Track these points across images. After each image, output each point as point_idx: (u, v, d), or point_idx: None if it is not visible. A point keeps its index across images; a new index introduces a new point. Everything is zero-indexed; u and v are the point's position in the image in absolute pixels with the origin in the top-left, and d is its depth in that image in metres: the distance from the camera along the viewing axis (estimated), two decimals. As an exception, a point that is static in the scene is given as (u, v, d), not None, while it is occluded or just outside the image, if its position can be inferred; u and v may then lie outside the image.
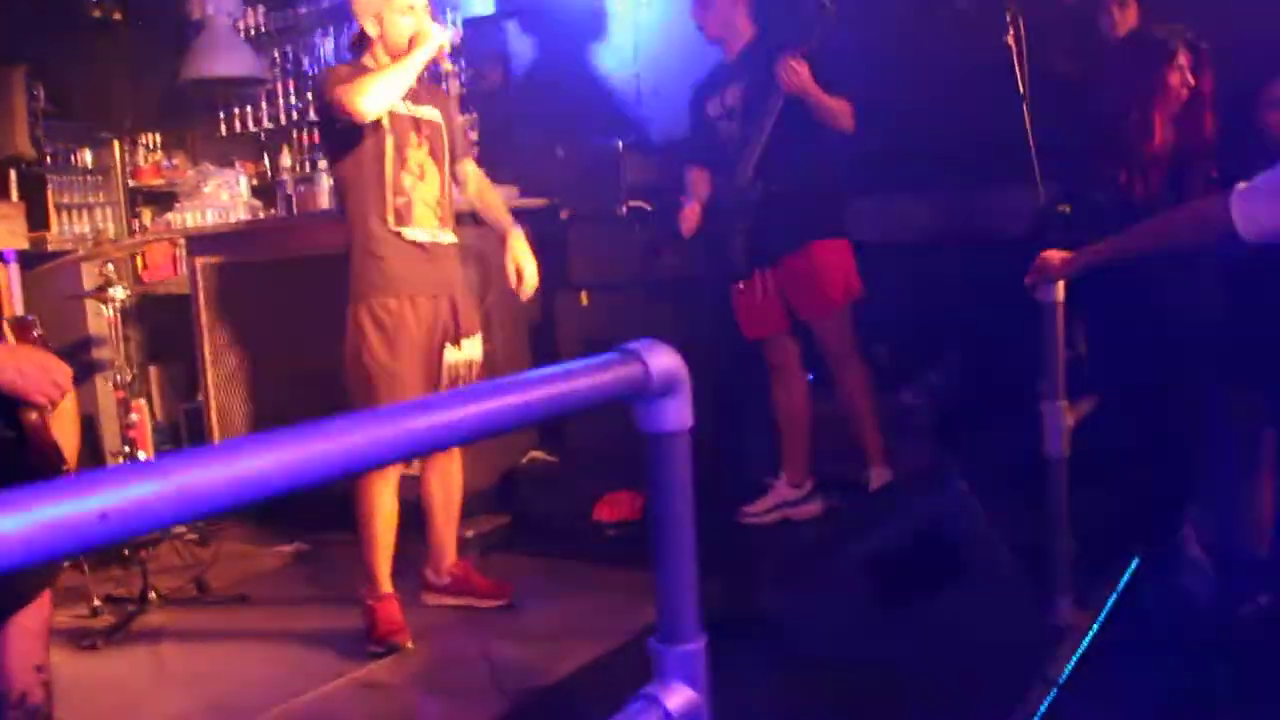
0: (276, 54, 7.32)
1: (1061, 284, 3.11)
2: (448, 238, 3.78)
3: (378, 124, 3.55)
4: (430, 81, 3.90)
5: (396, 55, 3.58)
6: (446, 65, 3.74)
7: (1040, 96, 3.85)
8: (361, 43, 3.72)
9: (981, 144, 4.09)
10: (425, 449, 1.09)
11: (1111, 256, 2.89)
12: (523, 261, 3.79)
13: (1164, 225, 2.87)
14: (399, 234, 3.63)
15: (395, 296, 3.62)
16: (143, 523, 0.77)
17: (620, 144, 4.58)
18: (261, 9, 7.36)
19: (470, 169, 3.99)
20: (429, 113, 3.77)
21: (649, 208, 4.60)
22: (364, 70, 3.59)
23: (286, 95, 7.31)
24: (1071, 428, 3.20)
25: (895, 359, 4.69)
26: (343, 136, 3.59)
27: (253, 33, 7.31)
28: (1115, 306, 3.65)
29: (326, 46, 7.08)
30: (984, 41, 3.91)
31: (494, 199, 4.00)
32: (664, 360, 1.35)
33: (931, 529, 3.09)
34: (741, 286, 4.48)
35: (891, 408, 4.60)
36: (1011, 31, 3.79)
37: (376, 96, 3.43)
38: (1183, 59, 3.68)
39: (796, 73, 4.07)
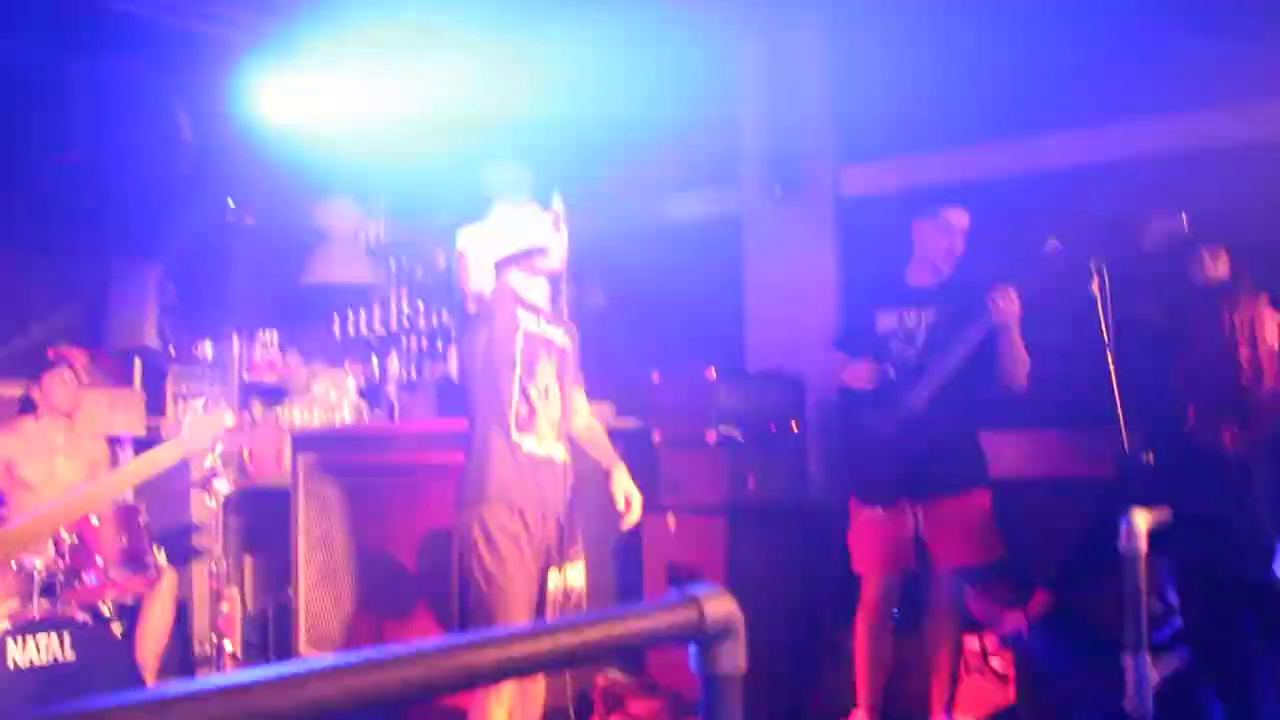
0: (392, 263, 7.67)
1: (1145, 534, 3.09)
2: (562, 457, 3.67)
3: (512, 333, 3.55)
4: (555, 306, 3.87)
5: None
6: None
7: (1126, 344, 3.89)
8: None
9: (1069, 391, 4.13)
10: (478, 683, 1.15)
11: None
12: (631, 493, 3.77)
13: None
14: (518, 445, 3.53)
15: (508, 508, 3.48)
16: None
17: (714, 370, 4.69)
18: (381, 222, 7.76)
19: (581, 401, 3.96)
20: (558, 336, 3.75)
21: (739, 435, 4.67)
22: None
23: (398, 303, 7.62)
24: (1157, 684, 3.12)
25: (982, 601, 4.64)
26: (474, 334, 3.58)
27: (371, 243, 7.69)
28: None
29: (440, 260, 7.40)
30: (1072, 287, 3.99)
31: (600, 433, 4.01)
32: (720, 606, 1.40)
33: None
34: (881, 514, 4.34)
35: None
36: (1096, 280, 3.87)
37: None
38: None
39: (1013, 302, 4.09)
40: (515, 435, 3.51)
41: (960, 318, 4.25)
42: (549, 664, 1.21)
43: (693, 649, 1.42)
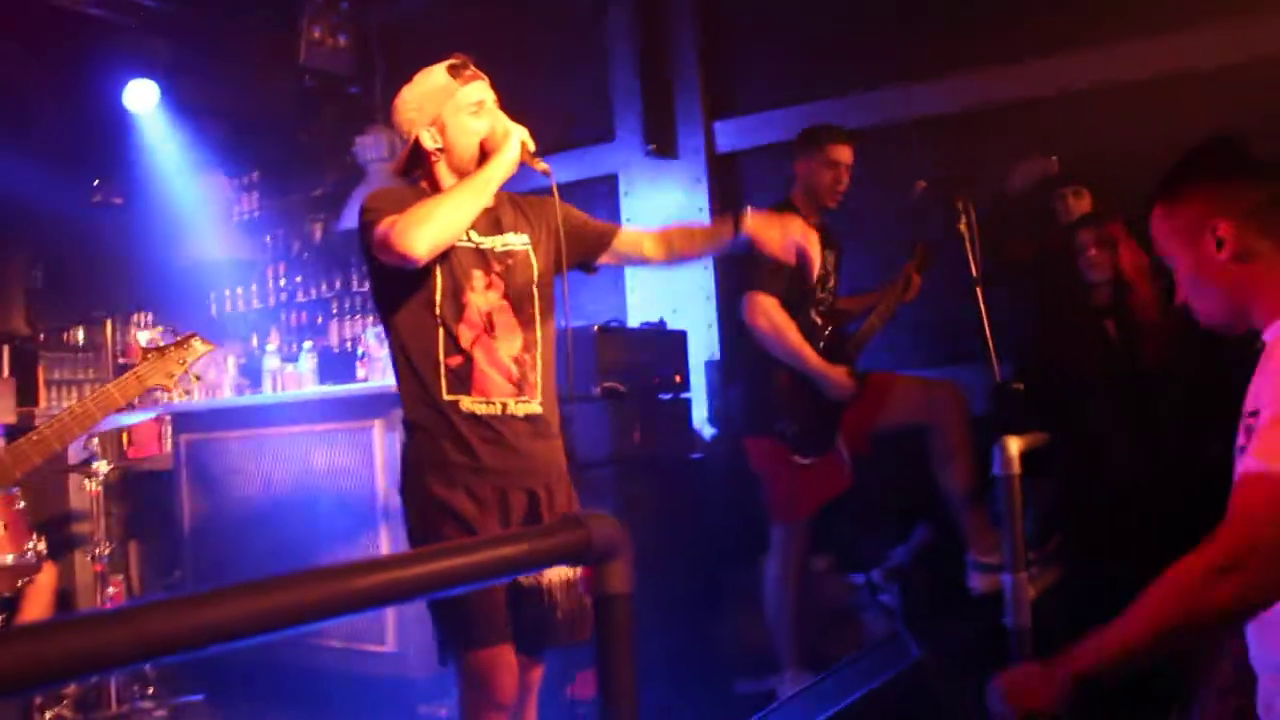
0: (268, 238, 7.55)
1: (1017, 455, 3.19)
2: (527, 409, 2.85)
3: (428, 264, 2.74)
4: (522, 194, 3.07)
5: (463, 170, 2.83)
6: (541, 165, 2.85)
7: (996, 281, 4.02)
8: (415, 161, 2.90)
9: (940, 326, 4.25)
10: (375, 605, 1.17)
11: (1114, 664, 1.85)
12: (789, 226, 3.06)
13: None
14: (455, 404, 2.78)
15: (451, 487, 2.77)
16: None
17: (595, 327, 4.71)
18: (255, 195, 7.62)
19: (630, 234, 3.17)
20: (510, 241, 2.90)
21: (622, 389, 4.70)
22: (411, 192, 2.84)
23: (276, 278, 7.51)
24: (1033, 599, 3.24)
25: (862, 537, 4.76)
26: (390, 280, 2.78)
27: (245, 218, 7.56)
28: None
29: (316, 231, 7.31)
30: (939, 228, 4.10)
31: (687, 232, 3.18)
32: (606, 528, 1.44)
33: (895, 707, 3.11)
34: (817, 461, 4.29)
35: (858, 585, 4.65)
36: (963, 218, 3.98)
37: (434, 229, 2.63)
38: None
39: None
40: (447, 394, 2.78)
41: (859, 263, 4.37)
42: (439, 587, 1.23)
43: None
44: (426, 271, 2.74)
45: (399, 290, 2.79)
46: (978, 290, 3.92)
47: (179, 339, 3.92)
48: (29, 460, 3.85)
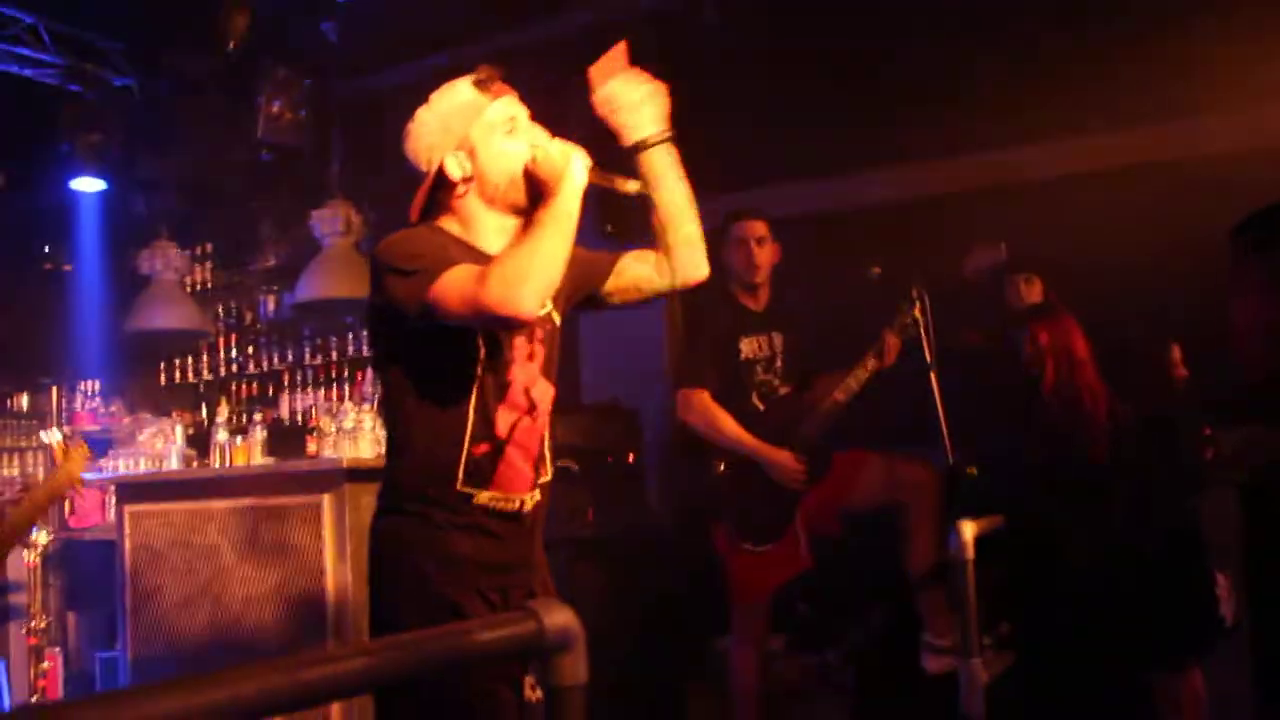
0: (220, 309, 7.52)
1: (971, 539, 3.19)
2: (537, 496, 2.48)
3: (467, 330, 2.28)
4: None
5: (498, 201, 2.39)
6: (629, 185, 2.47)
7: (949, 366, 4.04)
8: (438, 194, 2.43)
9: (895, 411, 4.26)
10: (322, 700, 1.13)
11: None
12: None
13: None
14: (467, 496, 2.35)
15: (461, 587, 2.33)
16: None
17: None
18: (209, 265, 7.60)
19: (636, 254, 2.71)
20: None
21: (574, 468, 4.68)
22: (442, 235, 2.36)
23: (227, 349, 7.47)
24: (986, 684, 3.23)
25: (819, 617, 4.74)
26: (419, 345, 2.31)
27: (198, 287, 7.52)
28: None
29: (270, 303, 7.29)
30: (893, 311, 4.13)
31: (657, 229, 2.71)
32: (559, 617, 1.41)
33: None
34: (772, 548, 4.21)
35: (814, 666, 4.62)
36: (917, 305, 4.01)
37: (540, 283, 2.16)
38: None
39: (896, 348, 4.15)
40: (463, 485, 2.33)
41: (801, 342, 4.34)
42: (387, 680, 1.20)
43: (534, 663, 1.42)
44: (468, 339, 2.30)
45: (427, 359, 2.32)
46: (931, 376, 3.94)
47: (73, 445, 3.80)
48: None
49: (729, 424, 4.19)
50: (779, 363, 4.38)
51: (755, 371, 4.32)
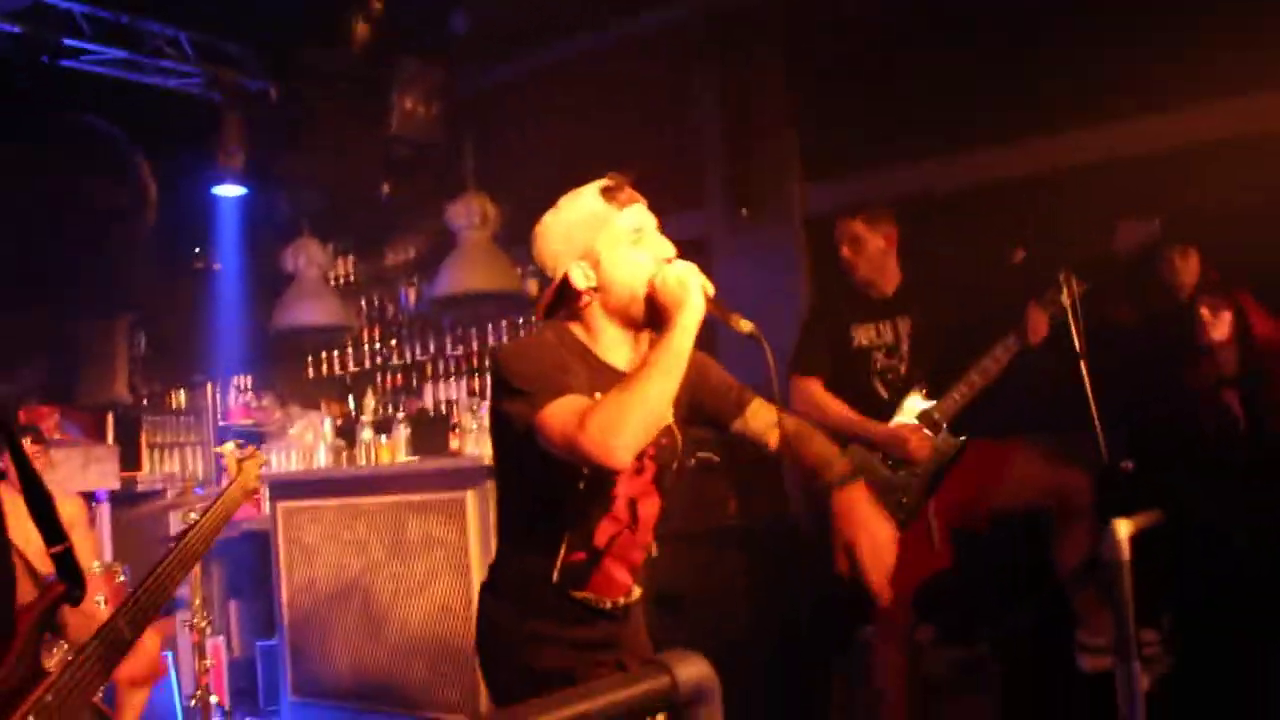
0: (363, 302, 7.67)
1: (1127, 539, 3.07)
2: (634, 596, 2.52)
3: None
4: None
5: (619, 314, 2.38)
6: (744, 325, 2.32)
7: (1101, 350, 3.87)
8: (564, 296, 2.43)
9: (1041, 398, 4.11)
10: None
11: None
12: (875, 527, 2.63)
13: None
14: (562, 590, 2.40)
15: (543, 659, 2.39)
16: None
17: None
18: (350, 259, 7.76)
19: (759, 410, 2.64)
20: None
21: (716, 459, 4.64)
22: (565, 343, 2.37)
23: (371, 341, 7.63)
24: (1147, 690, 3.11)
25: (968, 609, 4.62)
26: (521, 443, 2.26)
27: (341, 282, 7.69)
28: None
29: (410, 296, 7.41)
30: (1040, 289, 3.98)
31: (802, 441, 2.64)
32: (693, 670, 1.37)
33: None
34: (905, 533, 4.18)
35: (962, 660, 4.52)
36: (1066, 291, 3.85)
37: (636, 435, 2.15)
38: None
39: (1044, 325, 4.00)
40: (555, 580, 2.38)
41: (931, 329, 4.23)
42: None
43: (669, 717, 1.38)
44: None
45: (536, 463, 2.27)
46: (1082, 365, 3.78)
47: (245, 455, 3.80)
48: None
49: (838, 409, 4.15)
50: (904, 347, 4.27)
51: (874, 359, 4.26)
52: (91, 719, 2.39)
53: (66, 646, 2.39)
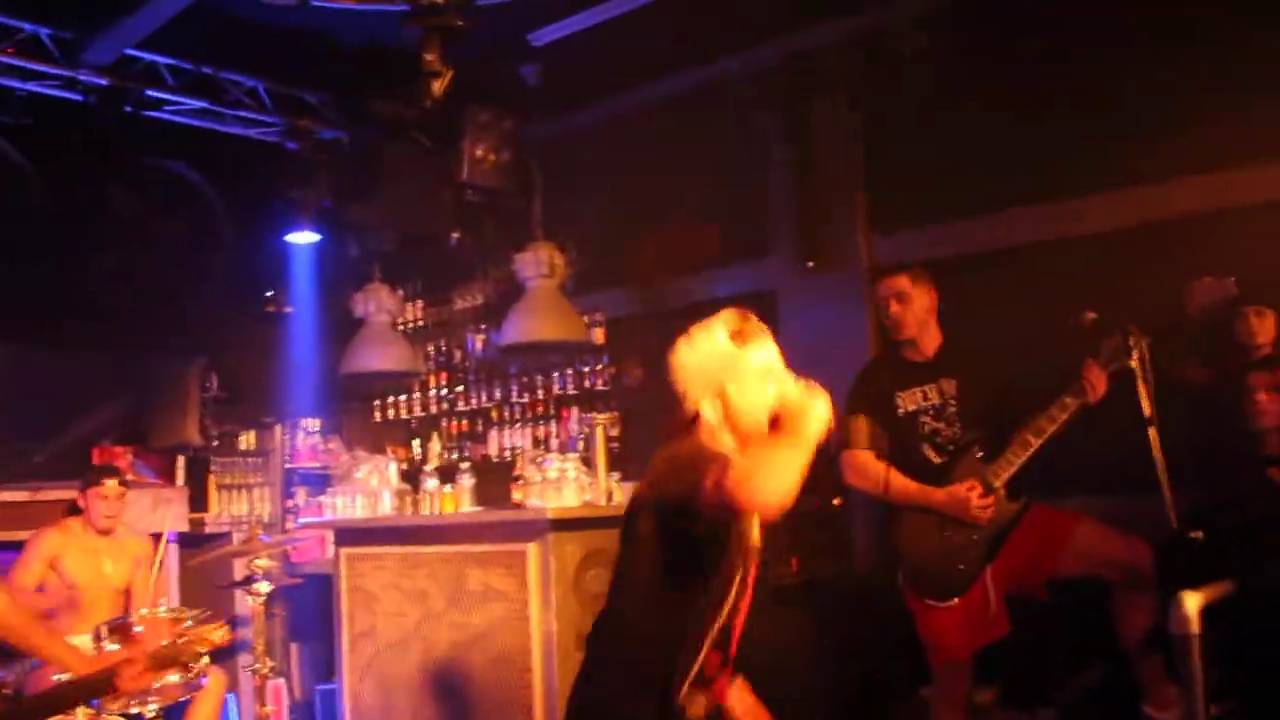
0: (430, 347, 7.75)
1: (1196, 613, 3.00)
2: None
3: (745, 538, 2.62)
4: None
5: (743, 436, 2.63)
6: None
7: (1171, 413, 3.79)
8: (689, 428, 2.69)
9: (1111, 460, 4.04)
10: None
11: None
12: None
13: None
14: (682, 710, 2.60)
15: None
16: None
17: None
18: (420, 304, 7.85)
19: None
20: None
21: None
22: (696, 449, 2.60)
23: (438, 386, 7.70)
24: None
25: (1032, 672, 4.54)
26: (691, 546, 2.56)
27: (409, 327, 7.78)
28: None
29: (478, 342, 7.47)
30: (1108, 360, 3.91)
31: None
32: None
33: None
34: (956, 603, 4.10)
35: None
36: (1135, 353, 3.79)
37: (782, 490, 2.36)
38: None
39: (1103, 381, 3.98)
40: (681, 698, 2.61)
41: (977, 388, 4.20)
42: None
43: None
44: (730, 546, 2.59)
45: (696, 558, 2.57)
46: (1150, 431, 3.70)
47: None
48: None
49: (887, 475, 4.12)
50: (952, 409, 4.23)
51: (921, 424, 4.23)
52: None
53: None
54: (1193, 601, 3.02)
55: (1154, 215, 4.99)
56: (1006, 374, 4.25)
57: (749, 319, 2.71)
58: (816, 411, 2.50)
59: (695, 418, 2.68)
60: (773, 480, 2.34)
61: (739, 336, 2.67)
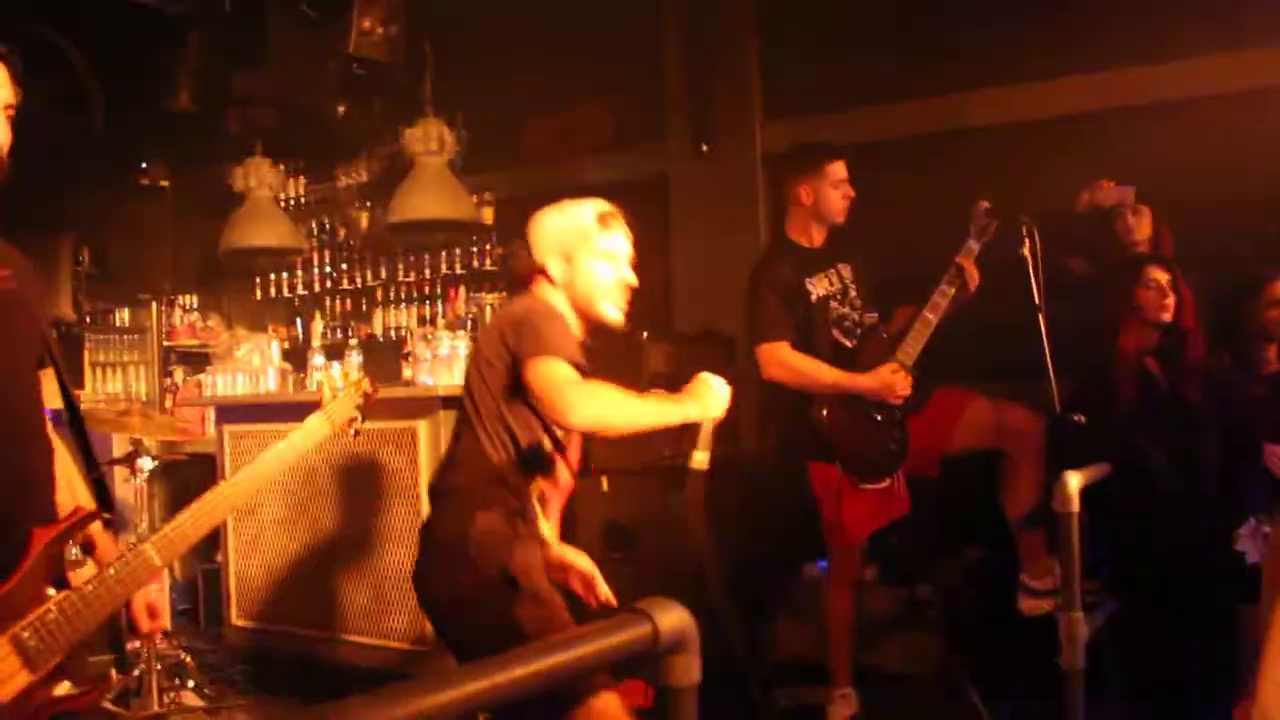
0: (314, 224, 7.56)
1: (1076, 491, 3.13)
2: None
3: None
4: None
5: (581, 307, 2.88)
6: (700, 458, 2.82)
7: (1054, 303, 3.91)
8: (532, 273, 2.96)
9: (997, 345, 4.15)
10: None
11: None
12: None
13: None
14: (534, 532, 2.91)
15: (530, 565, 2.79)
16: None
17: (644, 334, 4.66)
18: (302, 180, 7.63)
19: None
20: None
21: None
22: (545, 310, 2.80)
23: (321, 264, 7.53)
24: (1088, 639, 3.18)
25: (911, 551, 4.69)
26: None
27: (291, 204, 7.57)
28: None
29: (363, 219, 7.31)
30: (1004, 250, 3.99)
31: None
32: (673, 618, 1.38)
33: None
34: (888, 482, 4.18)
35: (904, 599, 4.60)
36: (1027, 243, 3.87)
37: (600, 422, 2.62)
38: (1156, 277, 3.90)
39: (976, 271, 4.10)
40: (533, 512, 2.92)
41: (869, 270, 4.30)
42: (504, 697, 1.19)
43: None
44: None
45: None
46: (1039, 317, 3.80)
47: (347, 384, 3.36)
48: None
49: (815, 367, 4.14)
50: (853, 292, 4.29)
51: (830, 308, 4.25)
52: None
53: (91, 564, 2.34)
54: (1074, 481, 3.13)
55: (1042, 112, 5.09)
56: (894, 258, 4.31)
57: (619, 213, 2.94)
58: (714, 402, 2.73)
59: (533, 277, 2.91)
60: (596, 407, 2.57)
61: (603, 220, 2.89)
